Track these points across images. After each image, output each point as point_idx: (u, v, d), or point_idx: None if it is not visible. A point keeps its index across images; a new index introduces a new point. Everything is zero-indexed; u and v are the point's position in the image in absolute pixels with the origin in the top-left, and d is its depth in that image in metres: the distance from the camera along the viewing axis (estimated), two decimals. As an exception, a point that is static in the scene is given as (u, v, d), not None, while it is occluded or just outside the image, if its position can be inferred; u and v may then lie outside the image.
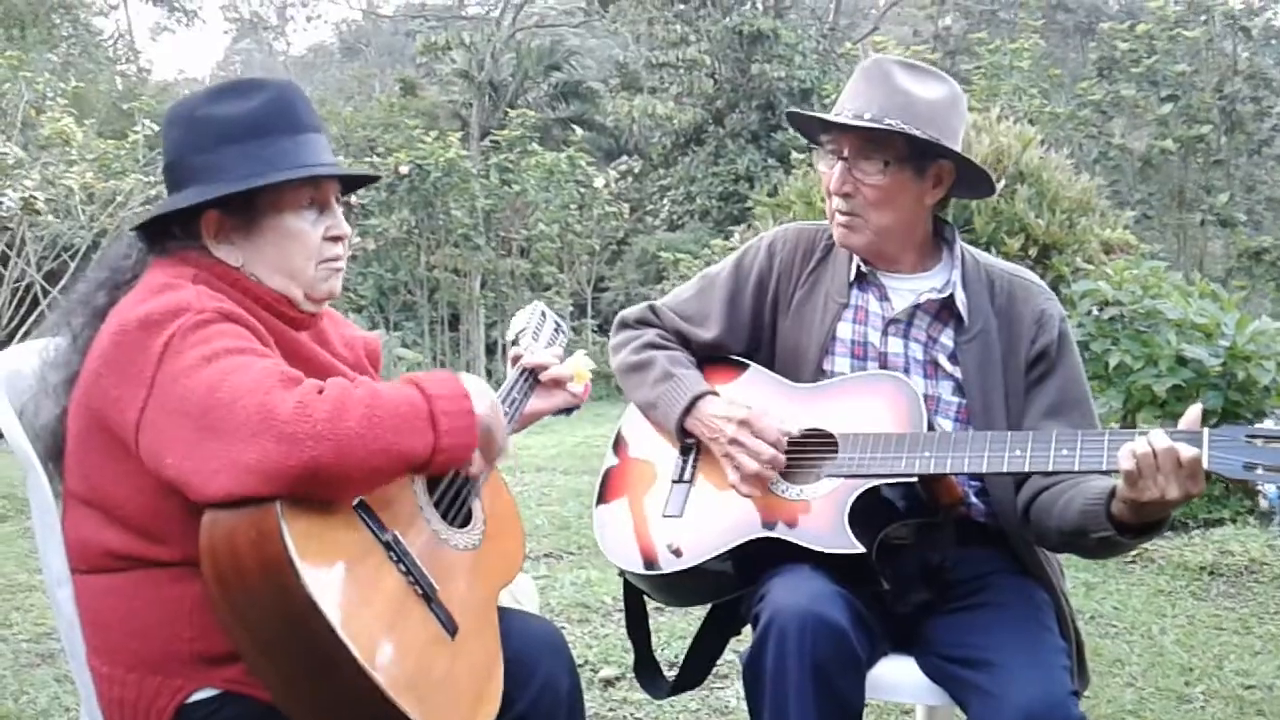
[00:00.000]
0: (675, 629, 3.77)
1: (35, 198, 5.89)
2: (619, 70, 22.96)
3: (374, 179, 2.19)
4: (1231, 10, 15.40)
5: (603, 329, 16.42)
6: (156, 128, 8.17)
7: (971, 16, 22.77)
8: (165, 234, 1.81)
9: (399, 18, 31.98)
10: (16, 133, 7.94)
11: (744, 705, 2.66)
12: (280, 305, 1.80)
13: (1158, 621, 4.20)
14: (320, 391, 1.57)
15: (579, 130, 18.36)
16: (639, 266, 17.99)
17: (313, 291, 1.83)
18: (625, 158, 20.71)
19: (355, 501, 1.64)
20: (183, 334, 1.62)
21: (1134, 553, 4.82)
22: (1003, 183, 6.30)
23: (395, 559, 1.65)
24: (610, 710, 3.34)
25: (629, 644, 2.38)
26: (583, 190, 15.47)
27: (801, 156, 11.43)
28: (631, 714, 3.33)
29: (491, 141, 15.93)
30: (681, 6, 20.37)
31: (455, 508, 1.85)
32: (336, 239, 1.84)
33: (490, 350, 15.24)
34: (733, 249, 11.04)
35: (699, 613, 2.35)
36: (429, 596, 1.66)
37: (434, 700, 1.58)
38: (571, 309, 16.05)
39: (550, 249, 15.15)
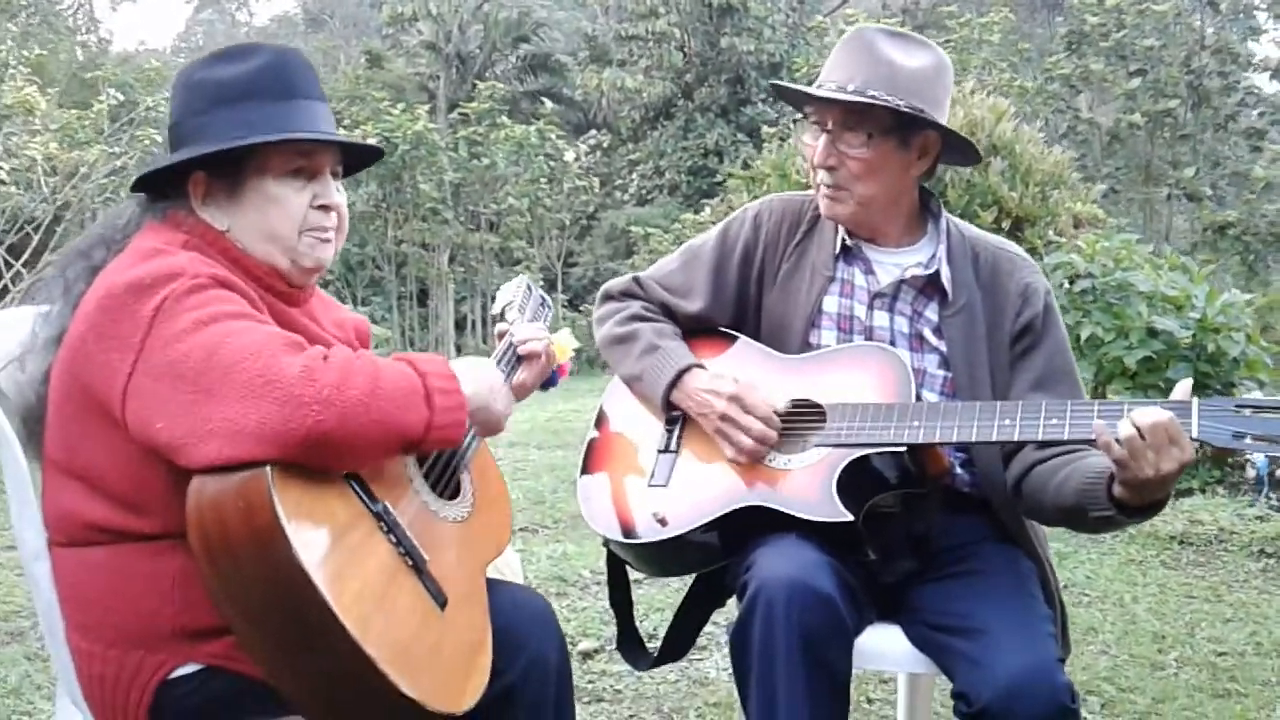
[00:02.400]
0: (654, 601, 3.76)
1: (-2, 169, 5.79)
2: (588, 43, 22.80)
3: (376, 153, 2.07)
4: (1199, -15, 15.51)
5: (573, 304, 16.40)
6: (121, 97, 8.04)
7: (941, -11, 22.78)
8: (160, 195, 1.79)
9: (364, -12, 31.61)
10: (-22, 102, 7.81)
11: (724, 676, 2.63)
12: (271, 278, 1.77)
13: (1130, 590, 4.24)
14: (325, 358, 1.56)
15: (548, 103, 18.26)
16: (608, 241, 17.96)
17: (299, 260, 1.79)
18: (594, 132, 20.65)
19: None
20: (176, 298, 1.58)
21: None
22: (975, 156, 6.33)
23: (385, 529, 1.63)
24: (590, 683, 3.34)
25: (606, 617, 2.38)
26: (552, 164, 15.40)
27: (772, 130, 11.43)
28: (611, 686, 3.32)
29: (460, 114, 15.81)
30: (650, -23, 20.24)
31: (445, 480, 1.83)
32: (325, 208, 1.81)
33: (460, 325, 15.18)
34: (703, 224, 11.01)
35: (678, 585, 2.34)
36: (419, 568, 1.64)
37: (423, 671, 1.56)
38: (541, 283, 16.01)
39: (520, 223, 15.09)
